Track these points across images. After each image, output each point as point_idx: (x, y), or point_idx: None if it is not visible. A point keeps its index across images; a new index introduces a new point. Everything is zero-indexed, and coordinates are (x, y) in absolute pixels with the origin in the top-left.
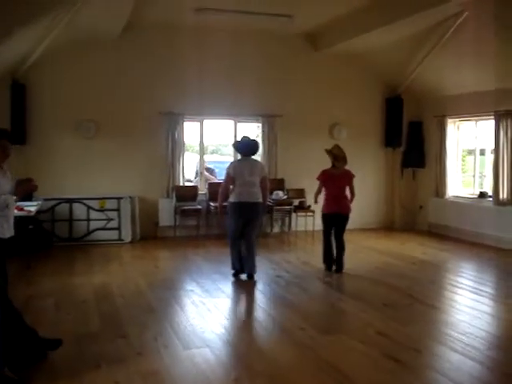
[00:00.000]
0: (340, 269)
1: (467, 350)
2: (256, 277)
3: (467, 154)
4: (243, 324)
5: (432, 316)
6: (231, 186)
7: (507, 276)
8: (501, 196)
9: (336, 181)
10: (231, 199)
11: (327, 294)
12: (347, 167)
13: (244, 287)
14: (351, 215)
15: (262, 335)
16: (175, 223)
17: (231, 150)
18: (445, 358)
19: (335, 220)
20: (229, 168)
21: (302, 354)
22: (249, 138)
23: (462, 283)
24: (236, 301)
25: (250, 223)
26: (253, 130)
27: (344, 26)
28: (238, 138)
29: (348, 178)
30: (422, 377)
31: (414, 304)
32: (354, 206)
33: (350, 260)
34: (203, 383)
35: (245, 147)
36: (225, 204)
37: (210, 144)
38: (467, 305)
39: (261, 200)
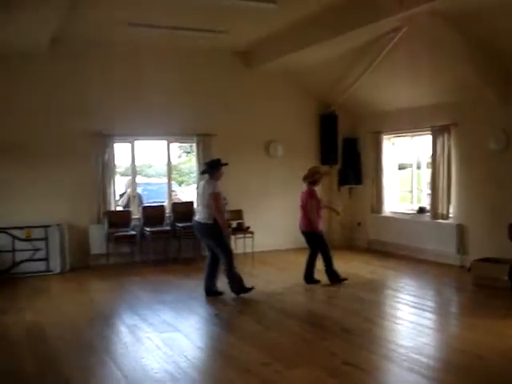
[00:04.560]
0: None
1: (438, 375)
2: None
3: (403, 169)
4: (199, 362)
5: (394, 340)
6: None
7: (459, 293)
8: (439, 210)
9: (300, 197)
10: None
11: (282, 322)
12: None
13: (191, 318)
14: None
15: (223, 374)
16: (108, 251)
17: (156, 171)
18: None
19: (303, 236)
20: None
21: None
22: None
23: (414, 302)
24: (186, 334)
25: None
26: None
27: (278, 42)
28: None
29: (304, 196)
30: None
31: (373, 328)
32: (290, 224)
33: (300, 282)
34: None
35: None
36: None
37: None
38: (425, 325)
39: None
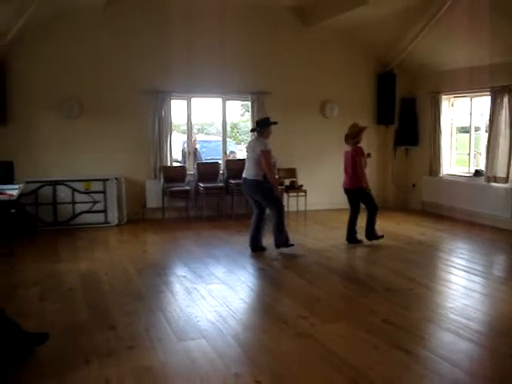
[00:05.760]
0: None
1: (477, 337)
2: (250, 259)
3: (461, 132)
4: (240, 312)
5: (435, 300)
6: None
7: (510, 257)
8: (496, 173)
9: (344, 157)
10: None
11: (326, 278)
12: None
13: (238, 272)
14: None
15: (261, 325)
16: (163, 205)
17: (217, 129)
18: (454, 346)
19: (347, 194)
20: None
21: (305, 345)
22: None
23: (462, 265)
24: (231, 287)
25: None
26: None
27: None
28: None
29: (350, 154)
30: (434, 368)
31: (416, 288)
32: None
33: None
34: (202, 379)
35: None
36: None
37: (194, 123)
38: (469, 287)
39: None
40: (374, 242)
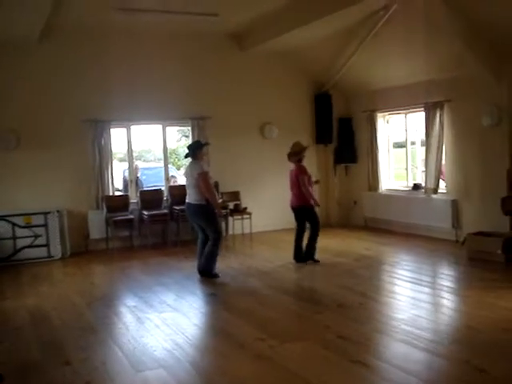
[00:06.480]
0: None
1: (431, 346)
2: (200, 284)
3: (398, 147)
4: (196, 339)
5: (386, 313)
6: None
7: (453, 266)
8: (430, 186)
9: (289, 176)
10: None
11: (278, 299)
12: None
13: (189, 298)
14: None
15: (218, 349)
16: (107, 235)
17: (155, 155)
18: (410, 357)
19: (294, 212)
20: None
21: (265, 367)
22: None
23: (408, 276)
24: (184, 313)
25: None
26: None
27: (270, 23)
28: (169, 143)
29: (294, 173)
30: (393, 380)
31: (367, 302)
32: (287, 205)
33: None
34: None
35: None
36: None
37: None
38: (418, 298)
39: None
40: (322, 260)
